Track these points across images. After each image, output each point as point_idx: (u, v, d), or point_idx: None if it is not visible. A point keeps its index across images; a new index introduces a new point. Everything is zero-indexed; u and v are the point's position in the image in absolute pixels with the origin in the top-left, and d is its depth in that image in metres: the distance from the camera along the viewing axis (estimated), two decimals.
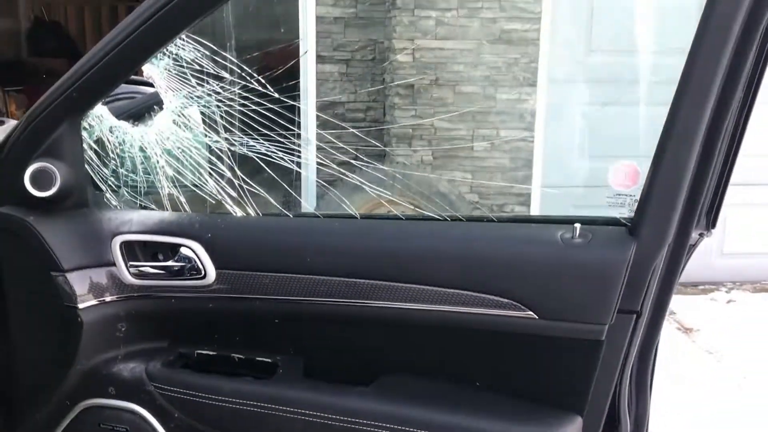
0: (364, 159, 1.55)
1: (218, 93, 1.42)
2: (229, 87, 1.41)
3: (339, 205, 1.46)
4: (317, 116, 4.20)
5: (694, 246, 1.34)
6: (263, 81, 1.38)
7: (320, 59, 4.46)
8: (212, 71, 1.39)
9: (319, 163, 1.56)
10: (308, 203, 3.20)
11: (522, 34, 4.24)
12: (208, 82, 1.41)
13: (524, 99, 4.33)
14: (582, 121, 4.44)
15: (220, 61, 1.39)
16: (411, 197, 3.62)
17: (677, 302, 4.25)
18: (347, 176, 1.55)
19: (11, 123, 2.83)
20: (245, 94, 1.40)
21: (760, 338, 3.83)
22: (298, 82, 4.09)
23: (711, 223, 1.34)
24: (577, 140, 4.47)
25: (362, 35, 4.48)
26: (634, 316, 1.28)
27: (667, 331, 3.93)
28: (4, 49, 7.91)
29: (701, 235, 1.35)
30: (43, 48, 8.17)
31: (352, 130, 1.62)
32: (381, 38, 4.45)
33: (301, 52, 3.98)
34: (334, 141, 1.50)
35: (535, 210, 4.44)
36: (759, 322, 4.01)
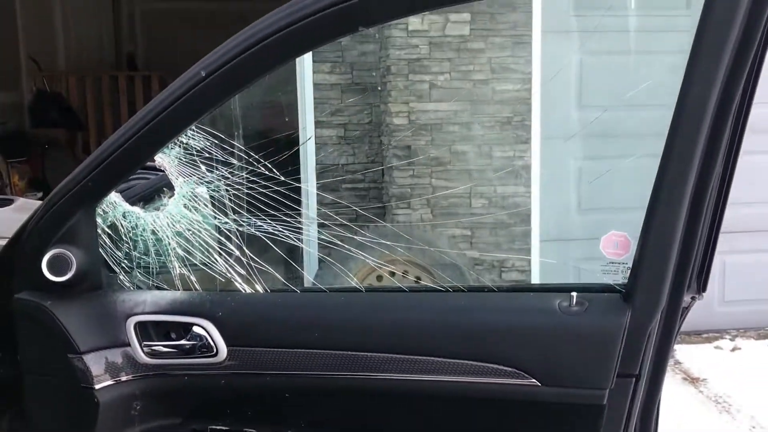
0: (366, 217, 1.62)
1: (227, 178, 1.49)
2: (237, 172, 1.48)
3: (342, 270, 1.52)
4: (317, 179, 4.30)
5: (687, 309, 1.40)
6: (269, 165, 1.45)
7: (318, 124, 4.58)
8: (221, 158, 1.47)
9: (321, 228, 1.62)
10: (310, 275, 3.26)
11: (514, 93, 4.36)
12: (217, 168, 1.48)
13: (519, 156, 4.43)
14: (576, 175, 4.54)
15: (228, 148, 1.46)
16: (411, 256, 3.68)
17: (682, 352, 4.26)
18: (349, 239, 1.61)
19: (20, 201, 2.92)
20: (252, 178, 1.47)
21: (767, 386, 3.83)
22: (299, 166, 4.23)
23: (702, 286, 1.40)
24: (573, 194, 4.56)
25: (359, 100, 4.61)
26: (633, 379, 1.33)
27: (674, 381, 3.94)
28: (7, 121, 8.07)
29: (693, 298, 1.40)
30: (45, 119, 8.34)
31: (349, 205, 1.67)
32: (377, 102, 4.58)
33: (302, 140, 4.12)
34: (337, 200, 1.57)
35: (536, 265, 4.49)
36: (766, 369, 4.02)
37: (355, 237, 1.65)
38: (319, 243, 1.71)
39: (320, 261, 3.49)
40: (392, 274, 3.87)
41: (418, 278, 3.83)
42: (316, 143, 4.55)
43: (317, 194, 3.16)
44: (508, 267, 4.55)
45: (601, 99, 4.39)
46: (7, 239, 2.10)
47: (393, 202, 4.42)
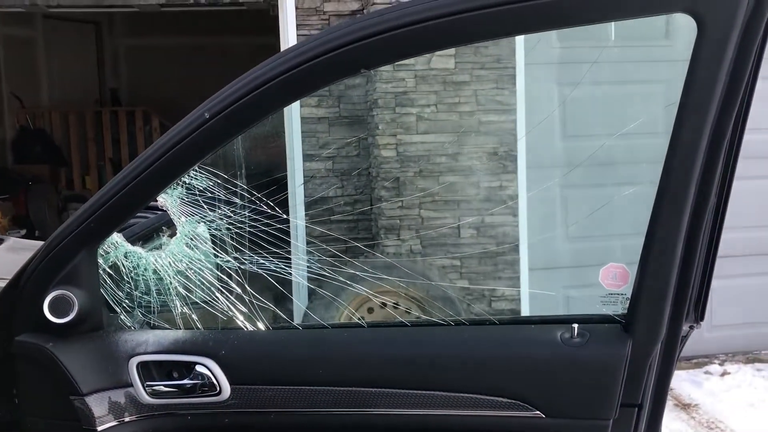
0: (358, 248, 1.63)
1: (229, 216, 1.50)
2: (239, 211, 1.50)
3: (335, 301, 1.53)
4: (306, 214, 4.31)
5: (685, 338, 1.42)
6: (272, 204, 1.47)
7: (307, 157, 4.61)
8: (223, 197, 1.48)
9: (316, 260, 1.63)
10: (302, 309, 3.26)
11: (499, 125, 4.43)
12: (219, 208, 1.50)
13: (506, 186, 4.48)
14: (562, 204, 4.59)
15: (231, 188, 1.48)
16: (403, 288, 3.70)
17: (673, 377, 4.28)
18: (341, 272, 1.63)
19: (11, 240, 2.90)
20: (255, 217, 1.49)
21: (759, 409, 3.86)
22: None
23: (700, 315, 1.42)
24: (559, 222, 4.61)
25: (346, 133, 4.65)
26: (636, 408, 1.35)
27: (666, 407, 3.95)
28: None
29: (691, 327, 1.43)
30: (28, 155, 8.32)
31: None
32: (365, 135, 4.62)
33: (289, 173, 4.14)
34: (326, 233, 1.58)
35: (525, 290, 4.52)
36: (756, 392, 4.05)
37: (346, 269, 1.66)
38: (314, 276, 1.72)
39: (311, 294, 3.49)
40: (383, 305, 3.87)
41: (409, 310, 3.84)
42: (304, 176, 4.58)
43: (306, 227, 3.17)
44: (497, 296, 4.58)
45: (585, 129, 4.47)
46: (2, 279, 2.09)
47: (382, 234, 4.44)
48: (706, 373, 4.39)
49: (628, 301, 1.36)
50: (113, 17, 9.43)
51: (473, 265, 4.50)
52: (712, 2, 1.16)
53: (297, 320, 2.57)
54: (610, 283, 1.37)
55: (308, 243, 1.82)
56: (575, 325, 1.36)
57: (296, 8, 4.53)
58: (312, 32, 4.57)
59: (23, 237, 6.23)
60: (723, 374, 4.37)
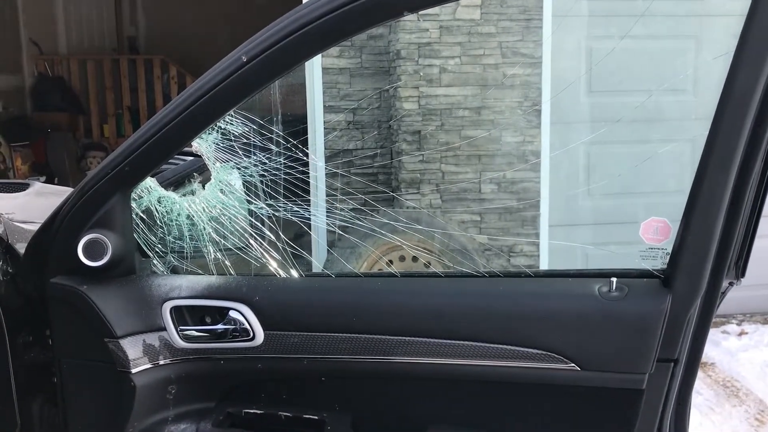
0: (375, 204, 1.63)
1: (264, 164, 1.49)
2: (274, 158, 1.48)
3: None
4: (326, 167, 4.29)
5: (724, 294, 1.41)
6: (306, 151, 1.45)
7: (327, 109, 4.57)
8: (259, 143, 1.47)
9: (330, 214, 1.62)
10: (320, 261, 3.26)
11: (524, 78, 4.35)
12: (255, 154, 1.48)
13: (529, 141, 4.43)
14: (585, 161, 4.54)
15: (266, 134, 1.46)
16: (422, 240, 3.69)
17: None
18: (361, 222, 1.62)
19: (37, 185, 2.91)
20: (290, 164, 1.47)
21: None
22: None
23: (741, 272, 1.41)
24: (581, 179, 4.57)
25: (368, 84, 4.59)
26: (672, 364, 1.34)
27: None
28: (9, 106, 8.04)
29: (731, 284, 1.41)
30: (47, 103, 8.31)
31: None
32: (386, 87, 4.56)
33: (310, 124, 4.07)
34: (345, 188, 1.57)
35: (544, 246, 4.51)
36: None
37: (375, 218, 1.65)
38: (343, 224, 1.71)
39: (336, 241, 3.49)
40: (402, 258, 3.88)
41: (428, 263, 3.84)
42: (324, 128, 4.54)
43: (327, 180, 3.15)
44: (516, 252, 4.57)
45: (611, 84, 4.39)
46: (31, 223, 2.10)
47: (403, 187, 4.42)
48: (724, 332, 4.39)
49: (668, 256, 1.34)
50: None
51: (493, 221, 4.48)
52: None
53: (323, 267, 2.57)
54: (651, 238, 1.35)
55: (340, 192, 1.81)
56: (614, 279, 1.35)
57: None
58: None
59: (44, 183, 6.26)
60: (740, 334, 4.37)
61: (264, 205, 1.54)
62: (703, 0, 4.44)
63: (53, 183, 7.18)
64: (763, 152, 1.26)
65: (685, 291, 1.30)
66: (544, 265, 4.54)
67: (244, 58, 1.33)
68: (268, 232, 1.54)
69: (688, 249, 1.29)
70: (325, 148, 4.52)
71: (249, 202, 1.54)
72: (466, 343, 1.39)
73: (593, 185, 4.53)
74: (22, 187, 2.79)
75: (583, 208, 4.60)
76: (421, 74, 4.32)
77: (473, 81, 4.34)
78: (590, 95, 4.53)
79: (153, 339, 1.50)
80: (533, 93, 4.39)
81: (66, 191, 2.78)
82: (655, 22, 4.29)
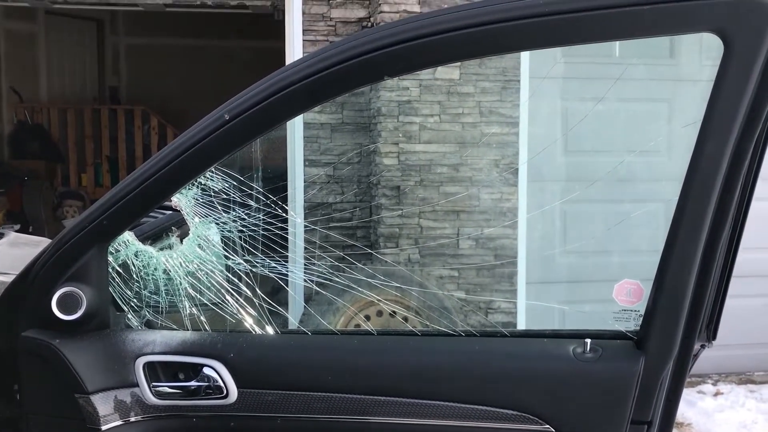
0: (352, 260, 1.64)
1: (243, 219, 1.50)
2: (254, 213, 1.49)
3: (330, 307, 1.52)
4: (305, 220, 4.30)
5: (696, 356, 1.42)
6: (287, 208, 1.47)
7: (308, 162, 4.60)
8: (238, 199, 1.48)
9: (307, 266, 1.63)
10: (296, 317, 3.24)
11: (502, 137, 4.44)
12: (234, 210, 1.49)
13: (506, 198, 4.48)
14: (561, 219, 4.60)
15: (246, 190, 1.47)
16: (399, 296, 3.69)
17: None
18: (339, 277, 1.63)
19: (11, 235, 2.88)
20: (269, 220, 1.48)
21: (750, 430, 3.86)
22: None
23: (712, 335, 1.43)
24: (558, 237, 4.62)
25: (348, 140, 4.65)
26: (646, 426, 1.35)
27: None
28: None
29: (703, 346, 1.43)
30: (25, 151, 8.28)
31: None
32: (367, 142, 4.62)
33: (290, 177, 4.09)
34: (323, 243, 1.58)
35: (522, 304, 4.53)
36: (749, 414, 4.06)
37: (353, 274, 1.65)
38: (322, 281, 1.71)
39: (312, 297, 3.48)
40: (380, 313, 3.86)
41: (405, 318, 3.83)
42: (304, 182, 4.57)
43: (318, 231, 3.16)
44: (494, 309, 4.57)
45: (587, 145, 4.49)
46: (4, 274, 2.07)
47: (381, 242, 4.43)
48: (699, 392, 4.39)
49: (641, 318, 1.36)
50: (115, 15, 9.43)
51: (471, 277, 4.50)
52: (739, 24, 1.17)
53: (299, 324, 2.56)
54: (624, 299, 1.37)
55: (321, 248, 1.81)
56: (588, 341, 1.36)
57: (303, 14, 4.53)
58: (318, 38, 4.57)
59: (18, 232, 6.19)
60: (716, 394, 4.37)
61: (242, 261, 1.54)
62: (676, 65, 4.59)
63: (28, 231, 7.10)
64: (731, 217, 1.30)
65: (658, 353, 1.31)
66: (521, 321, 4.55)
67: (227, 116, 1.35)
68: (244, 288, 1.54)
69: (661, 311, 1.31)
70: (305, 202, 4.54)
71: (227, 257, 1.54)
72: (443, 403, 1.38)
73: (569, 244, 4.58)
74: None
75: (559, 265, 4.64)
76: (401, 131, 4.38)
77: (452, 139, 4.41)
78: (566, 155, 4.61)
79: (125, 395, 1.47)
80: (510, 152, 4.47)
81: (40, 241, 2.76)
82: (629, 86, 4.41)
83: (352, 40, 1.32)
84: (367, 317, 3.85)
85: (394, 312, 3.75)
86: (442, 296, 4.15)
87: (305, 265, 1.65)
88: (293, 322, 1.55)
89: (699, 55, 4.55)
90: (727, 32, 1.18)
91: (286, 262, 1.58)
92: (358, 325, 3.73)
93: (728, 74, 1.19)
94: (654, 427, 1.36)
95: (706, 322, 1.41)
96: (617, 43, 3.54)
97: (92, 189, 8.34)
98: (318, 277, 1.62)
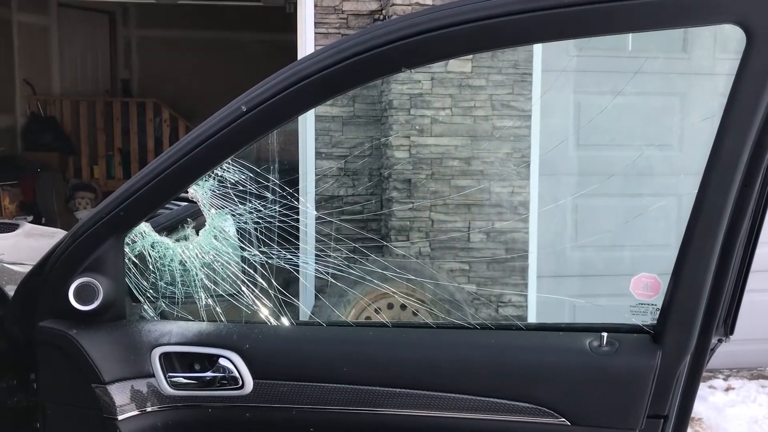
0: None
1: (259, 211, 1.50)
2: (270, 205, 1.49)
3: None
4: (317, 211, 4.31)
5: (713, 350, 1.42)
6: (303, 199, 1.47)
7: (319, 155, 4.61)
8: (255, 191, 1.48)
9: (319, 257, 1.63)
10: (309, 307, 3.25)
11: (514, 130, 4.42)
12: (250, 201, 1.49)
13: (517, 192, 4.47)
14: (573, 213, 4.59)
15: (263, 182, 1.48)
16: (410, 288, 3.69)
17: None
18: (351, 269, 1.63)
19: (27, 226, 2.90)
20: (285, 212, 1.49)
21: (763, 426, 3.85)
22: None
23: (730, 329, 1.42)
24: (570, 231, 4.60)
25: (359, 133, 4.64)
26: (662, 420, 1.34)
27: None
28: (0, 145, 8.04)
29: (720, 340, 1.42)
30: (38, 143, 8.33)
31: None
32: (378, 135, 4.62)
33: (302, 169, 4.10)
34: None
35: (532, 299, 4.52)
36: (760, 409, 4.04)
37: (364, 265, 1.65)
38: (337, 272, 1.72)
39: (324, 288, 3.49)
40: (390, 305, 3.87)
41: (416, 312, 3.83)
42: (315, 174, 4.57)
43: (317, 227, 3.16)
44: (504, 302, 4.57)
45: (598, 138, 4.47)
46: (21, 264, 2.08)
47: (392, 235, 4.43)
48: (711, 387, 4.38)
49: (658, 312, 1.35)
50: (127, 8, 9.45)
51: (482, 270, 4.49)
52: (763, 15, 1.16)
53: (311, 313, 2.57)
54: (641, 293, 1.36)
55: (335, 240, 1.82)
56: (604, 334, 1.36)
57: (315, 6, 4.53)
58: (330, 31, 4.57)
59: (31, 223, 6.23)
60: (727, 389, 4.36)
61: (257, 252, 1.54)
62: (689, 59, 4.56)
63: (40, 223, 7.14)
64: (750, 211, 1.29)
65: (675, 347, 1.31)
66: (532, 315, 4.54)
67: (244, 108, 1.35)
68: (260, 279, 1.54)
69: (679, 305, 1.30)
70: (316, 195, 4.54)
71: (242, 248, 1.55)
72: (457, 395, 1.38)
73: (581, 238, 4.57)
74: (12, 228, 2.78)
75: (571, 259, 4.63)
76: (413, 124, 4.38)
77: (463, 132, 4.40)
78: (578, 149, 4.59)
79: (141, 385, 1.48)
80: (522, 145, 4.45)
81: (55, 232, 2.78)
82: (641, 80, 4.38)
83: (370, 32, 1.32)
84: (378, 309, 3.85)
85: (404, 305, 3.76)
86: (453, 289, 4.15)
87: (317, 256, 1.65)
88: (305, 312, 1.55)
89: (712, 48, 4.52)
90: (749, 24, 1.17)
91: (299, 253, 1.59)
92: (368, 318, 3.73)
93: (750, 66, 1.18)
94: (670, 422, 1.36)
95: (723, 316, 1.40)
96: (630, 36, 3.52)
97: (104, 181, 8.38)
98: (331, 268, 1.62)
